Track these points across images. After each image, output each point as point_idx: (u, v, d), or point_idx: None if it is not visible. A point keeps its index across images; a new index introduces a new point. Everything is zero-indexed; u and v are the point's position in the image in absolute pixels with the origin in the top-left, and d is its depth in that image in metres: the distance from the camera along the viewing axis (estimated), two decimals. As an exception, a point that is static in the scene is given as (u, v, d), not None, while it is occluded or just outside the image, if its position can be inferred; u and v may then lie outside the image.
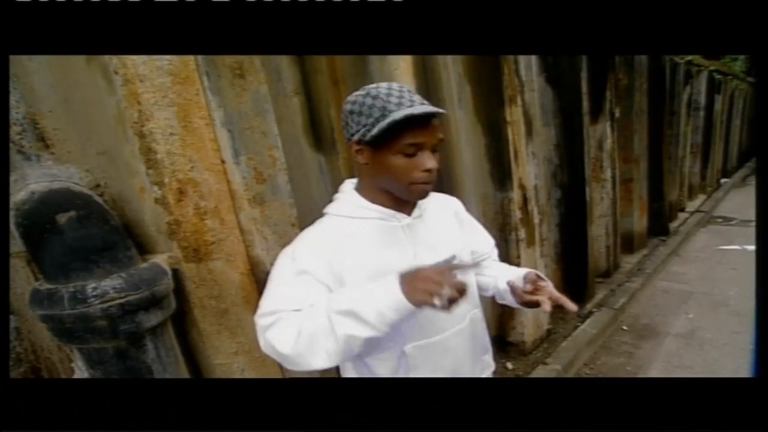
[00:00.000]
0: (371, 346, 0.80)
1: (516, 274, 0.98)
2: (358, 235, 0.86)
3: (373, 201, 0.88)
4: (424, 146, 0.79)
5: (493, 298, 1.06)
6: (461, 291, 0.68)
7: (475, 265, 1.06)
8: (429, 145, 0.80)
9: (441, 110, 0.79)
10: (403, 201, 0.88)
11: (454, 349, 0.91)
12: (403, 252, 0.87)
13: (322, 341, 0.73)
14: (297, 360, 0.76)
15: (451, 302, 0.67)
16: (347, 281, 0.82)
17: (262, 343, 0.81)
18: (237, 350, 1.28)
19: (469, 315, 0.94)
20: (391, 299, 0.70)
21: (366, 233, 0.86)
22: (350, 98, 0.84)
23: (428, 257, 0.85)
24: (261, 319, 0.81)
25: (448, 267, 0.71)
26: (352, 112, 0.82)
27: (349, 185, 0.94)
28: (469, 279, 0.98)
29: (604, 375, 2.55)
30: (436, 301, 0.66)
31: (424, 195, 0.85)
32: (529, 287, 0.89)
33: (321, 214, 0.94)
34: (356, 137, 0.81)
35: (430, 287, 0.67)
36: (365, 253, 0.84)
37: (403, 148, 0.78)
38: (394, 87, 0.82)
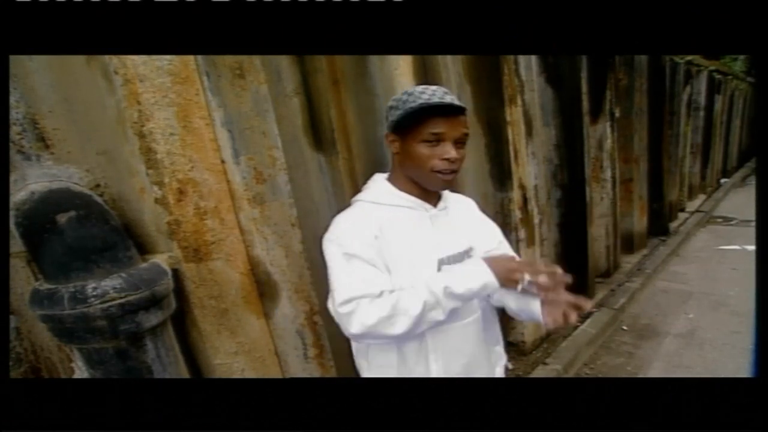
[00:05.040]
0: None
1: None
2: (389, 219, 0.92)
3: (403, 190, 0.95)
4: (446, 137, 0.87)
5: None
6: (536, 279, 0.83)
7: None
8: (450, 137, 0.87)
9: (459, 104, 0.87)
10: (430, 193, 0.96)
11: (470, 335, 0.99)
12: (427, 240, 0.93)
13: (430, 314, 0.85)
14: (402, 332, 0.85)
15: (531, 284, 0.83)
16: (388, 260, 0.90)
17: (353, 325, 0.85)
18: (237, 350, 1.28)
19: (481, 307, 1.02)
20: (483, 280, 0.85)
21: (396, 219, 0.93)
22: (394, 96, 0.93)
23: (449, 247, 0.95)
24: (342, 307, 0.86)
25: (530, 262, 0.88)
26: (390, 107, 0.92)
27: (380, 176, 1.01)
28: None
29: (604, 375, 2.55)
30: (520, 285, 0.83)
31: (445, 184, 0.93)
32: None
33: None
34: (389, 128, 0.92)
35: (517, 275, 0.83)
36: (397, 236, 0.91)
37: (425, 136, 0.86)
38: (431, 87, 0.90)
